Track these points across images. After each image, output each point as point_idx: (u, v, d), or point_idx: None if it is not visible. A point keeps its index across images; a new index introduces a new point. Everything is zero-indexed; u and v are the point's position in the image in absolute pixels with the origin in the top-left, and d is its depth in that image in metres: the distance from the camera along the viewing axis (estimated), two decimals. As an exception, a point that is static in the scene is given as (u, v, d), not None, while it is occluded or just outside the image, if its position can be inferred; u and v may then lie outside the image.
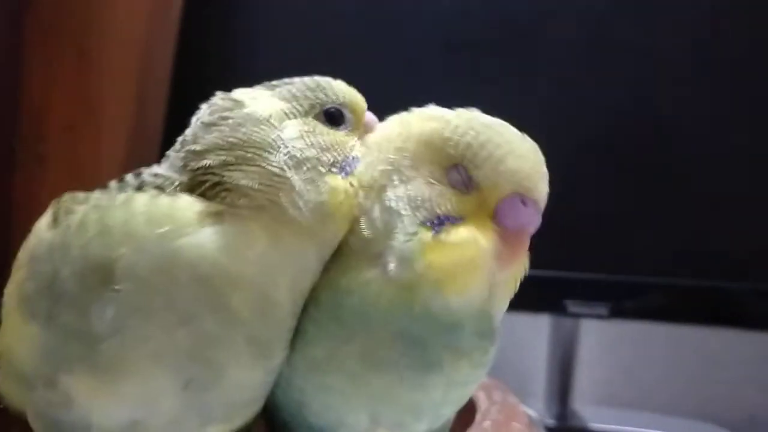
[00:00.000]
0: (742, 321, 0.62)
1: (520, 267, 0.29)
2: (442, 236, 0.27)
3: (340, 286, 0.28)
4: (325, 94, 0.30)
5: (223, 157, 0.27)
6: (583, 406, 0.70)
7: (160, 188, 0.27)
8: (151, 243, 0.25)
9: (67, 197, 0.29)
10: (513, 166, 0.28)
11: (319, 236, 0.28)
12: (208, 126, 0.28)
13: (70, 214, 0.27)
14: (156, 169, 0.29)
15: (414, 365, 0.28)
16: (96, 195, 0.28)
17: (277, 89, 0.30)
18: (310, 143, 0.28)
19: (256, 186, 0.26)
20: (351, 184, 0.29)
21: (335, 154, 0.29)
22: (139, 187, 0.27)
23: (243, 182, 0.26)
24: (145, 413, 0.26)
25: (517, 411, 0.40)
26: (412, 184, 0.28)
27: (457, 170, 0.28)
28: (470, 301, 0.28)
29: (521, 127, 0.30)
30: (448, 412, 0.31)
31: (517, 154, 0.28)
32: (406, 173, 0.29)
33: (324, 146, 0.29)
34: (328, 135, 0.29)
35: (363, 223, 0.28)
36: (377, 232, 0.28)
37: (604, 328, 0.72)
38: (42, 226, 0.28)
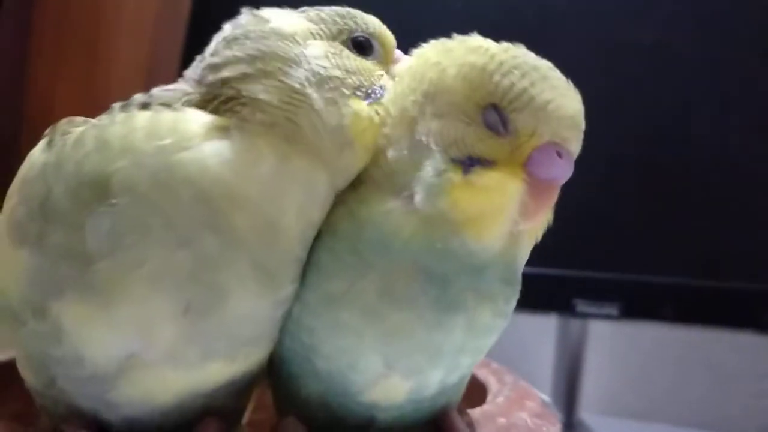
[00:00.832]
0: (758, 325, 0.60)
1: (543, 220, 0.28)
2: (472, 178, 0.26)
3: (360, 216, 0.26)
4: (354, 22, 0.29)
5: (243, 69, 0.26)
6: (590, 416, 0.68)
7: (167, 104, 0.26)
8: (150, 156, 0.24)
9: (64, 122, 0.27)
10: (555, 114, 0.26)
11: (332, 163, 0.26)
12: (230, 42, 0.27)
13: (66, 135, 0.26)
14: (168, 86, 0.27)
15: (435, 303, 0.26)
16: (97, 118, 0.26)
17: (305, 12, 0.29)
18: (335, 64, 0.27)
19: (275, 101, 0.25)
20: (377, 113, 0.27)
21: (361, 78, 0.27)
22: (145, 106, 0.26)
23: (261, 96, 0.25)
24: (141, 344, 0.24)
25: (530, 392, 0.39)
26: (445, 119, 0.27)
27: (495, 110, 0.26)
28: (488, 247, 0.26)
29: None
30: (465, 364, 0.29)
31: (560, 102, 0.26)
32: (439, 107, 0.27)
33: (350, 70, 0.27)
34: (354, 61, 0.28)
35: (390, 154, 0.27)
36: (404, 165, 0.26)
37: (613, 332, 0.70)
38: (36, 151, 0.27)
